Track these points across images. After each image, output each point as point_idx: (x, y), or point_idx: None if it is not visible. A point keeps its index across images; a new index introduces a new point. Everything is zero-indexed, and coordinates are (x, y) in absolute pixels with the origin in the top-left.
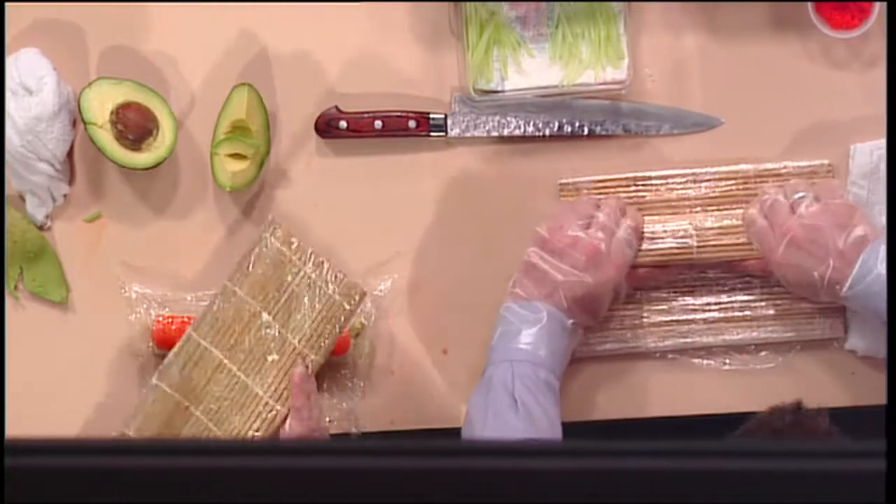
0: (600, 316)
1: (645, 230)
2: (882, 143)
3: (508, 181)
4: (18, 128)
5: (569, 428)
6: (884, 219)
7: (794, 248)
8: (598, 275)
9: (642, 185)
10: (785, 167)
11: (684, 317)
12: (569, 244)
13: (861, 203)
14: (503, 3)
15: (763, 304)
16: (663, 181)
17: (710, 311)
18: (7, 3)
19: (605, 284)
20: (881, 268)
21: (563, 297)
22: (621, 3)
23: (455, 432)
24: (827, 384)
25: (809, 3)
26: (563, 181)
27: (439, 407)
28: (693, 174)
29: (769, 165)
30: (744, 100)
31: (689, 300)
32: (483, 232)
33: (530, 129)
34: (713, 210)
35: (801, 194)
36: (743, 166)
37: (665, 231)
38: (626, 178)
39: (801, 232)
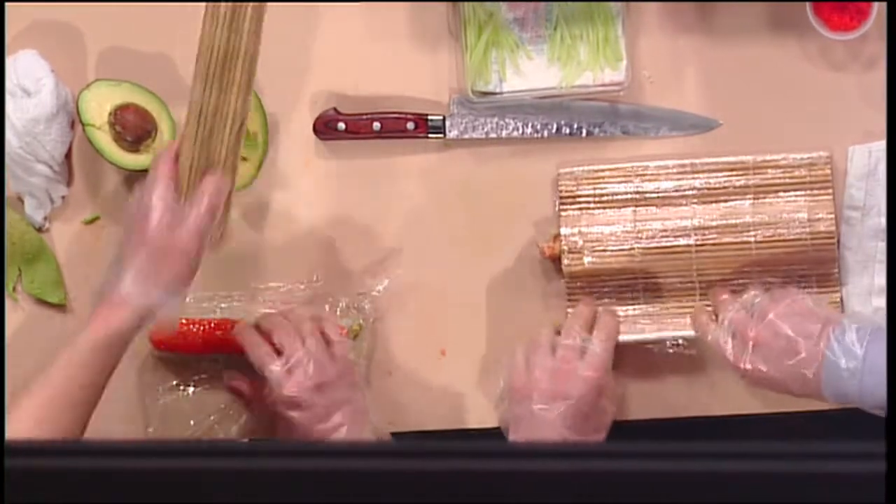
0: (607, 423)
1: (642, 227)
2: (880, 144)
3: (507, 183)
4: (17, 129)
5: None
6: (883, 220)
7: (760, 351)
8: (580, 395)
9: (640, 175)
10: (784, 158)
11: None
12: (540, 382)
13: (858, 205)
14: (501, 4)
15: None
16: (661, 171)
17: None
18: (6, 3)
19: (586, 399)
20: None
21: (560, 431)
22: (619, 5)
23: (453, 434)
24: None
25: (808, 5)
26: (563, 170)
27: (438, 408)
28: (691, 164)
29: (769, 157)
30: (742, 101)
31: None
32: (481, 233)
33: (529, 130)
34: (711, 202)
35: (756, 299)
36: (742, 157)
37: (664, 230)
38: (623, 168)
39: (766, 333)
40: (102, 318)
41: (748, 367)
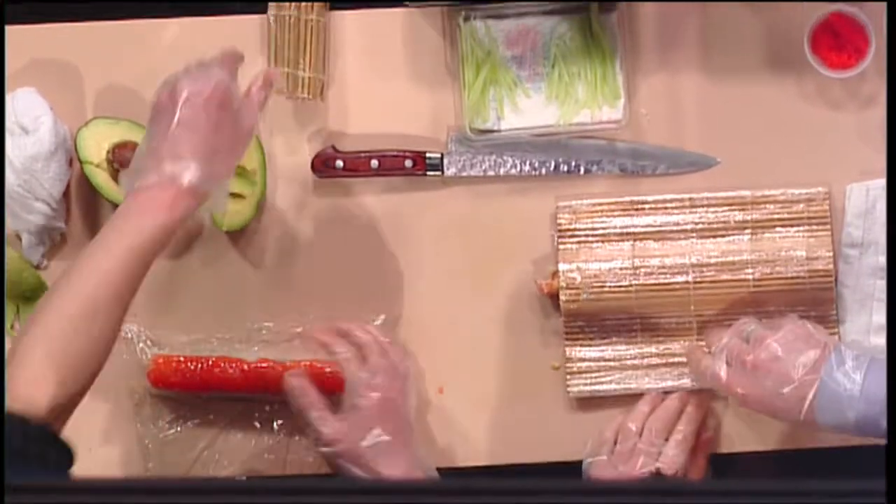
0: None
1: (640, 263)
2: (878, 182)
3: (505, 220)
4: (15, 167)
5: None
6: (881, 258)
7: (758, 374)
8: None
9: (638, 209)
10: (783, 193)
11: (677, 360)
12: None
13: (857, 243)
14: (499, 42)
15: None
16: (660, 205)
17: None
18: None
19: None
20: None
21: None
22: (617, 43)
23: (448, 472)
24: None
25: (806, 43)
26: (561, 204)
27: (436, 447)
28: (690, 199)
29: (767, 192)
30: (740, 140)
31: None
32: (480, 270)
33: (527, 168)
34: (710, 237)
35: (750, 326)
36: (741, 192)
37: (662, 266)
38: (622, 202)
39: (764, 357)
40: (167, 206)
41: (742, 391)
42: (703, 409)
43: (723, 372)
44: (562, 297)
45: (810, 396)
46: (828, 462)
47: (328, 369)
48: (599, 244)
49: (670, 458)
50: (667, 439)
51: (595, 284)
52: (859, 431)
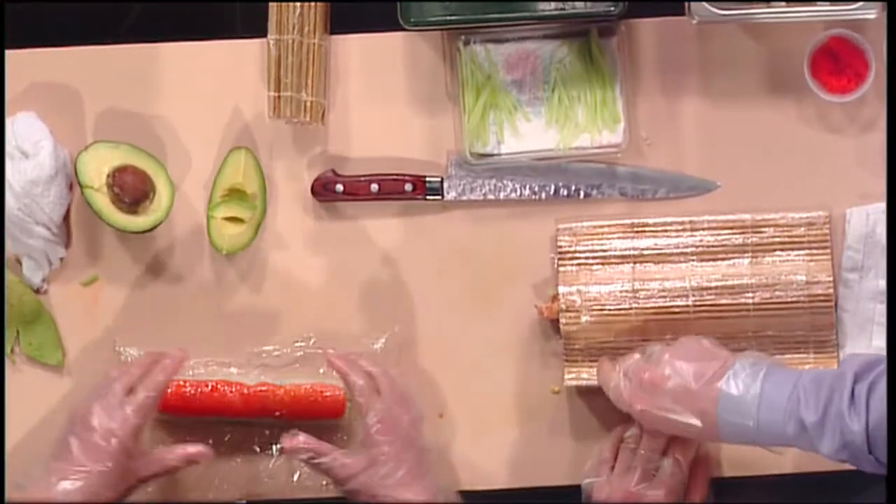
0: None
1: (640, 286)
2: (878, 206)
3: (505, 244)
4: (15, 191)
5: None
6: (881, 282)
7: (656, 391)
8: None
9: (639, 231)
10: (783, 217)
11: None
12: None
13: (857, 267)
14: (500, 66)
15: None
16: (660, 228)
17: None
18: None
19: None
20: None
21: None
22: (617, 67)
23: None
24: None
25: (805, 68)
26: (561, 226)
27: (436, 473)
28: (691, 222)
29: (768, 216)
30: (740, 164)
31: None
32: (479, 294)
33: (526, 192)
34: (710, 260)
35: (655, 348)
36: (741, 215)
37: (662, 290)
38: (622, 225)
39: (659, 373)
40: None
41: (641, 407)
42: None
43: (624, 388)
44: (562, 321)
45: (709, 409)
46: (834, 486)
47: (327, 393)
48: (600, 267)
49: (668, 475)
50: (664, 453)
51: (595, 307)
52: (760, 440)
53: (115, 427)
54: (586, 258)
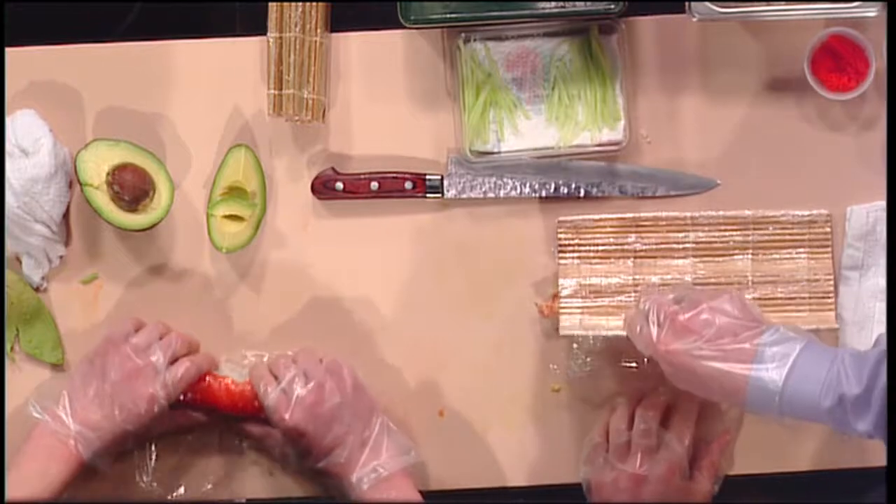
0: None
1: (640, 281)
2: (878, 204)
3: (505, 242)
4: (15, 189)
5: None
6: (881, 280)
7: (690, 338)
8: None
9: (639, 225)
10: (784, 215)
11: None
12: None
13: (857, 265)
14: (500, 64)
15: None
16: (661, 223)
17: None
18: (6, 62)
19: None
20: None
21: None
22: (617, 65)
23: (449, 494)
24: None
25: (806, 65)
26: (562, 219)
27: (436, 470)
28: (691, 217)
29: (768, 213)
30: (740, 162)
31: None
32: (479, 292)
33: (526, 190)
34: (710, 256)
35: (687, 292)
36: (742, 212)
37: (663, 286)
38: (622, 219)
39: (698, 321)
40: (64, 459)
41: (673, 347)
42: (695, 401)
43: (653, 328)
44: (562, 319)
45: (740, 367)
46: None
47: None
48: (600, 261)
49: (669, 450)
50: (664, 426)
51: (594, 306)
52: (783, 411)
53: (161, 394)
54: (587, 252)
